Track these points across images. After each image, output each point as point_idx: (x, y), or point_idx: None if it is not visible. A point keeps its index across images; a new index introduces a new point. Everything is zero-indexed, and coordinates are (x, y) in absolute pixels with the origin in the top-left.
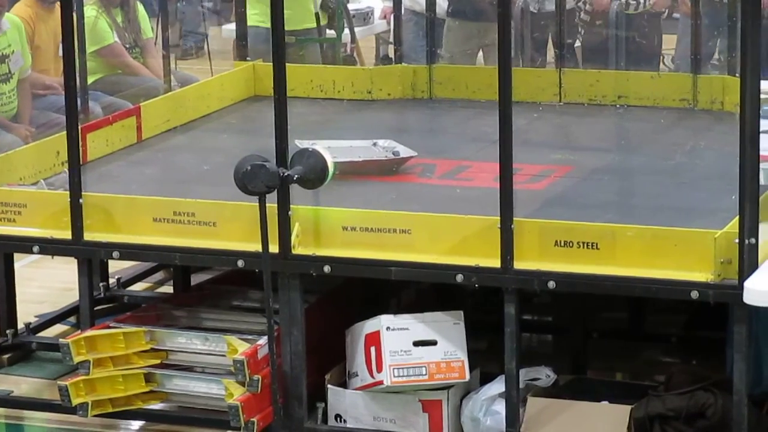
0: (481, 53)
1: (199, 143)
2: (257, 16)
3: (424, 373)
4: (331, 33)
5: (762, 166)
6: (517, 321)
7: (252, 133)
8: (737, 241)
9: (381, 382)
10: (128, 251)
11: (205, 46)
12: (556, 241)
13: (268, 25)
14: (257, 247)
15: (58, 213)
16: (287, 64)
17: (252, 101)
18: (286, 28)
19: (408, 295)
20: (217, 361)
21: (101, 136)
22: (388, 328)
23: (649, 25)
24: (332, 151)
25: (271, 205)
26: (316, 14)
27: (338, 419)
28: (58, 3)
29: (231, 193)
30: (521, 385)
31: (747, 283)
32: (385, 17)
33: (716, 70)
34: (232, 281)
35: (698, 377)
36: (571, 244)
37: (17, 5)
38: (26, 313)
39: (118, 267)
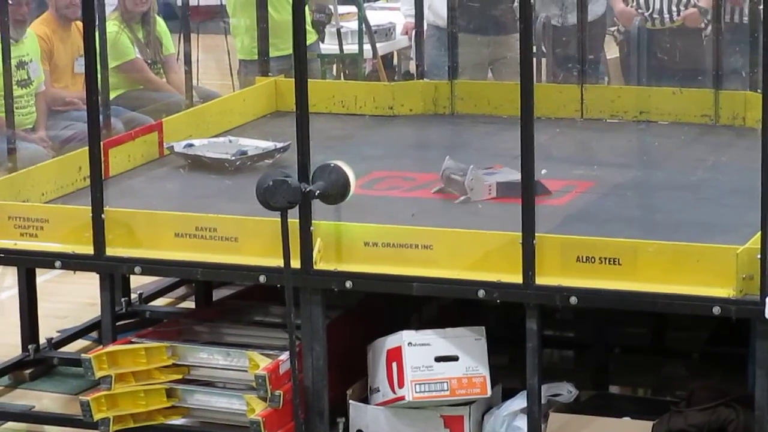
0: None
1: None
2: (245, 49)
3: (445, 388)
4: (352, 48)
5: None
6: (539, 336)
7: None
8: (759, 256)
9: (402, 398)
10: (150, 266)
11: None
12: (578, 257)
13: (255, 57)
14: (279, 262)
15: (79, 228)
16: (309, 80)
17: (274, 116)
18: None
19: (430, 311)
20: (238, 377)
21: (123, 152)
22: (409, 344)
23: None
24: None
25: (293, 221)
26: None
27: None
28: (75, 21)
29: (253, 208)
30: (543, 401)
31: None
32: (406, 33)
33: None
34: (254, 296)
35: (720, 393)
36: (592, 260)
37: (35, 23)
38: (48, 328)
39: (139, 282)
